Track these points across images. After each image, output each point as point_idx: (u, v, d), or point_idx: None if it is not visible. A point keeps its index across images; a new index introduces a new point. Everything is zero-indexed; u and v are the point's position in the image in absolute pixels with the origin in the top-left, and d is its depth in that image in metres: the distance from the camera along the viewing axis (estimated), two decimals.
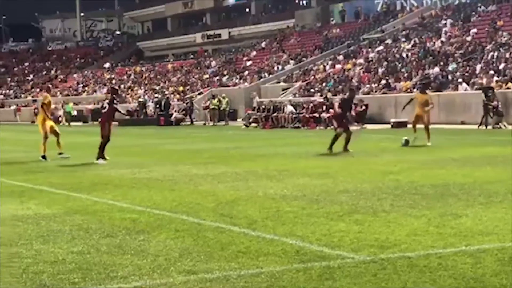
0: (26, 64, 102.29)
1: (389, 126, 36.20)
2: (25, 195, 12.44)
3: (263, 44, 70.30)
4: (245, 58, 67.61)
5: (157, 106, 54.02)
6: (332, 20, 71.84)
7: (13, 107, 78.66)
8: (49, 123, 20.30)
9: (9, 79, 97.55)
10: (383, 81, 44.54)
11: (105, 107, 20.00)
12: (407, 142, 22.00)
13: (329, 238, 7.97)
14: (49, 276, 6.47)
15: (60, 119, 55.90)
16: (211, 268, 6.66)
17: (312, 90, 48.58)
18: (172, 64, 79.16)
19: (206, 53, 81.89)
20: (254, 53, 68.48)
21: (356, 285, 6.01)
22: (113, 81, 79.70)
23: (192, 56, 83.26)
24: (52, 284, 6.19)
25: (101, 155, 18.76)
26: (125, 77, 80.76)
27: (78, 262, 7.02)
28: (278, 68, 59.17)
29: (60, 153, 20.32)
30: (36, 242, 8.07)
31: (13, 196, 12.36)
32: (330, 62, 54.46)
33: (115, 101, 19.37)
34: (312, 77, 52.24)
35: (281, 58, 61.69)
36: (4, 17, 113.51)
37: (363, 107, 38.62)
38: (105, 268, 6.74)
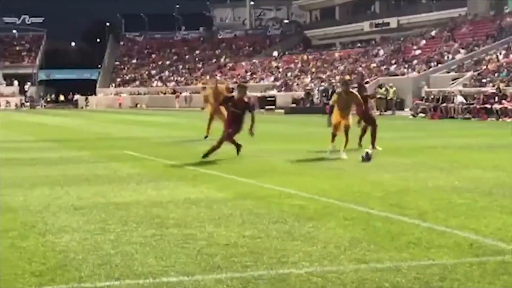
0: (197, 52, 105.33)
1: None
2: (197, 179, 12.82)
3: (433, 33, 68.85)
4: (414, 47, 66.49)
5: (323, 94, 54.14)
6: (506, 8, 69.25)
7: (184, 93, 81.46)
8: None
9: (180, 66, 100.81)
10: None
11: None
12: None
13: (504, 232, 7.70)
14: (222, 258, 6.63)
15: None
16: (381, 258, 6.59)
17: (483, 80, 47.10)
18: (339, 53, 79.05)
19: (373, 42, 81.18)
20: (424, 41, 67.22)
21: None
22: (280, 70, 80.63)
23: (359, 44, 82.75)
24: (225, 266, 6.34)
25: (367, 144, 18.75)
26: (292, 65, 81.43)
27: (250, 246, 7.15)
28: (448, 57, 57.76)
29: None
30: (209, 225, 8.29)
31: (185, 179, 12.76)
32: (503, 52, 52.57)
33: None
34: (484, 67, 50.61)
35: (452, 47, 60.18)
36: (177, 6, 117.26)
37: None
38: (276, 253, 6.83)
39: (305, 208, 9.43)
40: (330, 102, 17.55)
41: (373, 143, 18.60)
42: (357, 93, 17.56)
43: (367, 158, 15.54)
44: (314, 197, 10.35)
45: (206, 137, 22.32)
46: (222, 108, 19.38)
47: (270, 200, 10.22)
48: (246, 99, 17.23)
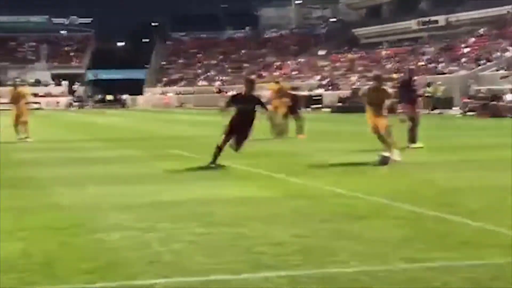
0: (243, 51, 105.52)
1: None
2: (246, 178, 12.85)
3: (481, 31, 68.03)
4: (462, 45, 65.77)
5: None
6: None
7: (230, 93, 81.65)
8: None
9: (226, 65, 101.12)
10: None
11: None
12: None
13: None
14: (271, 257, 6.63)
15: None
16: (431, 257, 6.53)
17: None
18: (386, 51, 78.53)
19: (421, 40, 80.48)
20: (473, 39, 66.43)
21: None
22: (326, 68, 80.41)
23: (406, 43, 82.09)
24: (274, 265, 6.33)
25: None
26: (338, 64, 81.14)
27: (299, 245, 7.14)
28: (497, 55, 57.01)
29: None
30: (258, 224, 8.29)
31: (234, 178, 12.81)
32: None
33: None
34: None
35: (501, 45, 59.39)
36: (224, 5, 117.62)
37: None
38: (325, 252, 6.81)
39: (354, 207, 9.38)
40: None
41: (411, 140, 18.30)
42: (387, 89, 16.20)
43: (383, 161, 14.36)
44: (363, 196, 10.29)
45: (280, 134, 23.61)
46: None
47: (319, 199, 10.20)
48: (256, 95, 15.53)
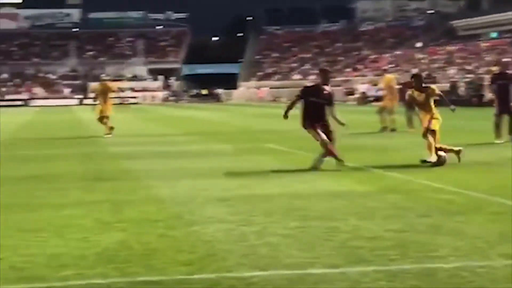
0: (338, 44, 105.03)
1: None
2: (340, 172, 12.76)
3: None
4: None
5: (470, 86, 52.75)
6: None
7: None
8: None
9: (321, 59, 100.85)
10: None
11: None
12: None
13: None
14: (367, 252, 6.57)
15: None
16: None
17: None
18: (486, 43, 76.79)
19: None
20: None
21: None
22: (424, 61, 79.21)
23: (507, 35, 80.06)
24: (371, 260, 6.28)
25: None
26: (436, 56, 79.81)
27: (395, 239, 7.05)
28: None
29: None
30: (353, 218, 8.24)
31: (328, 172, 12.73)
32: None
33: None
34: None
35: None
36: None
37: None
38: (423, 247, 6.70)
39: (453, 202, 9.21)
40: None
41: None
42: (433, 87, 14.48)
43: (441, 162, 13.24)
44: (462, 191, 10.10)
45: (393, 130, 23.81)
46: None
47: (416, 194, 10.06)
48: (327, 89, 13.72)
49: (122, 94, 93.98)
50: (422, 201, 9.42)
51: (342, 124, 13.52)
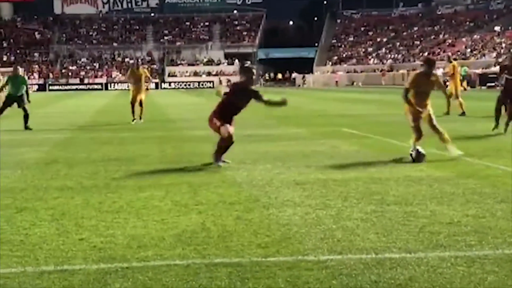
0: (415, 28, 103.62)
1: None
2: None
3: None
4: None
5: None
6: None
7: (402, 71, 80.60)
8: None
9: (398, 43, 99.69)
10: None
11: None
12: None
13: None
14: (445, 237, 6.51)
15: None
16: None
17: None
18: None
19: None
20: None
21: None
22: (503, 45, 77.53)
23: None
24: (449, 245, 6.22)
25: None
26: None
27: (473, 225, 6.97)
28: None
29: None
30: (431, 203, 8.17)
31: (405, 158, 12.61)
32: None
33: None
34: None
35: None
36: None
37: None
38: (502, 233, 6.61)
39: None
40: (406, 85, 12.90)
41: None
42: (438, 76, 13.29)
43: (417, 158, 12.03)
44: None
45: (462, 114, 23.77)
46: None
47: (496, 179, 9.90)
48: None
49: (198, 79, 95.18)
50: (501, 186, 9.27)
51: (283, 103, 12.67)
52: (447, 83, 25.50)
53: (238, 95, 12.16)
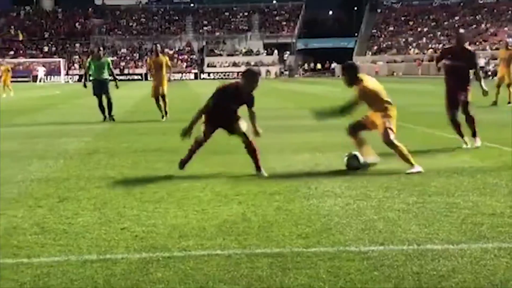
0: (456, 18, 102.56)
1: None
2: (459, 148, 12.50)
3: None
4: None
5: None
6: None
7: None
8: None
9: (439, 33, 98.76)
10: None
11: None
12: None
13: None
14: (488, 228, 6.45)
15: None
16: None
17: None
18: None
19: None
20: None
21: None
22: None
23: None
24: (492, 236, 6.16)
25: None
26: None
27: None
28: None
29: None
30: (473, 194, 8.09)
31: (444, 149, 12.52)
32: None
33: None
34: None
35: None
36: None
37: None
38: None
39: None
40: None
41: None
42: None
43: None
44: None
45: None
46: None
47: None
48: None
49: (237, 69, 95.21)
50: None
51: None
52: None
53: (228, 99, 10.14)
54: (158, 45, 21.74)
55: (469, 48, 13.58)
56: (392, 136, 10.11)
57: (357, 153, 10.25)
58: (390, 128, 10.25)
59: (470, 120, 12.60)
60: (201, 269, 5.36)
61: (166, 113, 20.69)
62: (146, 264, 5.52)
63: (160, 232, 6.55)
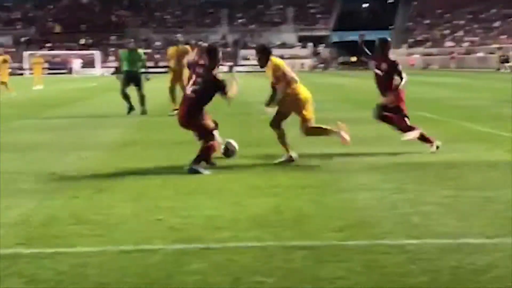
0: (494, 10, 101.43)
1: None
2: (494, 142, 12.43)
3: None
4: None
5: None
6: None
7: (479, 54, 79.23)
8: None
9: (475, 25, 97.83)
10: None
11: None
12: None
13: None
14: None
15: None
16: None
17: None
18: None
19: None
20: None
21: None
22: None
23: None
24: None
25: None
26: None
27: None
28: None
29: None
30: (508, 189, 7.99)
31: (481, 142, 12.43)
32: None
33: None
34: None
35: None
36: None
37: None
38: None
39: None
40: None
41: None
42: None
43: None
44: None
45: None
46: None
47: None
48: None
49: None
50: None
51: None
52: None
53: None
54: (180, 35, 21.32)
55: None
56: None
57: (230, 140, 10.71)
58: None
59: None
60: (236, 261, 5.40)
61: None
62: (181, 256, 5.57)
63: (195, 223, 6.60)
